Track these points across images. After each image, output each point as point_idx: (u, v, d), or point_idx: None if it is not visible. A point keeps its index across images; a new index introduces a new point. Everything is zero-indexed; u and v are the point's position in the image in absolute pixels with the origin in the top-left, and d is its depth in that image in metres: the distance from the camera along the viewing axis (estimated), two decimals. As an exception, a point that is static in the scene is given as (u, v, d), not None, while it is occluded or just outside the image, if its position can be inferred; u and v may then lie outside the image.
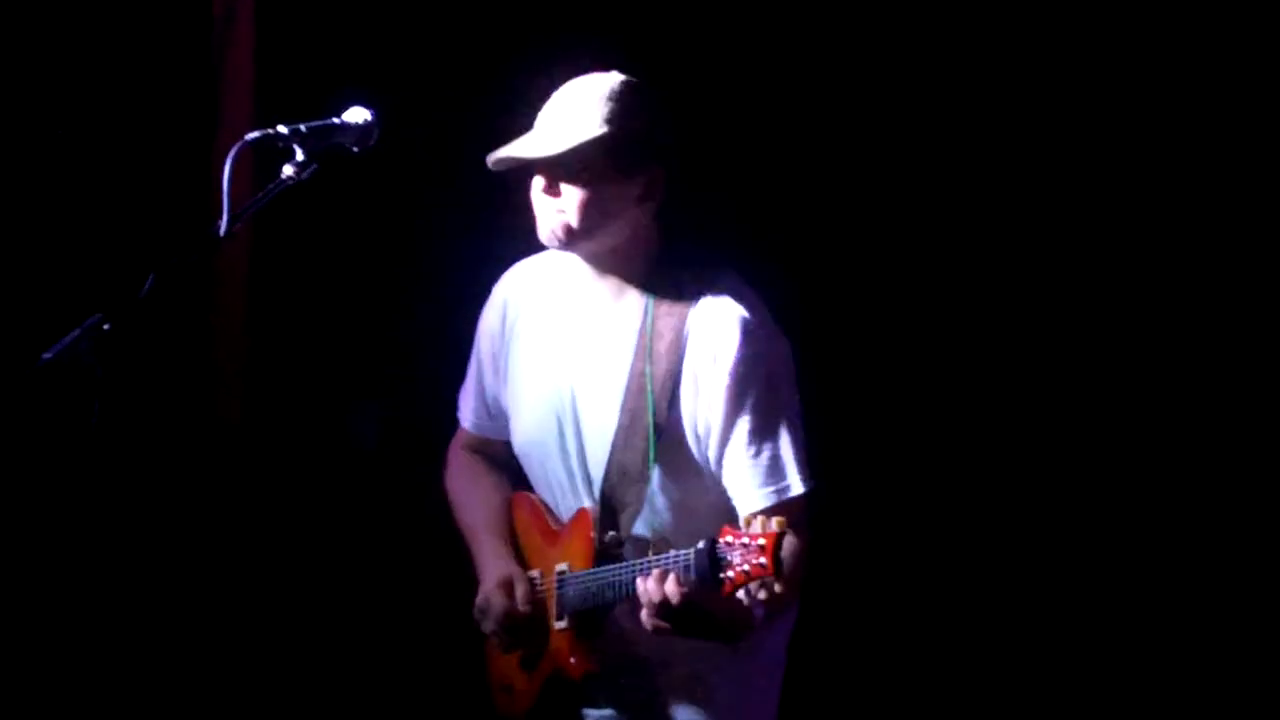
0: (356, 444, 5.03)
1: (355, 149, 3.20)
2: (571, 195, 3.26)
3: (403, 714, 4.92)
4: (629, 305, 3.33)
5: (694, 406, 3.26)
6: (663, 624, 3.11)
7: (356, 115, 3.20)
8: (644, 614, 3.13)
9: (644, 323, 3.30)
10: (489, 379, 3.54)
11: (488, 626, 3.42)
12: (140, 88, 4.86)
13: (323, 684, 4.89)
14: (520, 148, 3.28)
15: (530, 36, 4.74)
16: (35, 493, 4.66)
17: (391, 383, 5.00)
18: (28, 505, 4.68)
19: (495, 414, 3.56)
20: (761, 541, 3.00)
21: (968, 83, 4.81)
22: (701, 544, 3.06)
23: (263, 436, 4.95)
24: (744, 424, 3.23)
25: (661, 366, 3.26)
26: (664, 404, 3.26)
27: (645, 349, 3.29)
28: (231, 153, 3.04)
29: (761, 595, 3.04)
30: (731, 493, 3.28)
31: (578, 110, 3.26)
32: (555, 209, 3.28)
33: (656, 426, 3.25)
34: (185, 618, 4.84)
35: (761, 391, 3.23)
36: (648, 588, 3.10)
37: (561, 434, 3.37)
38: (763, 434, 3.23)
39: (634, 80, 3.32)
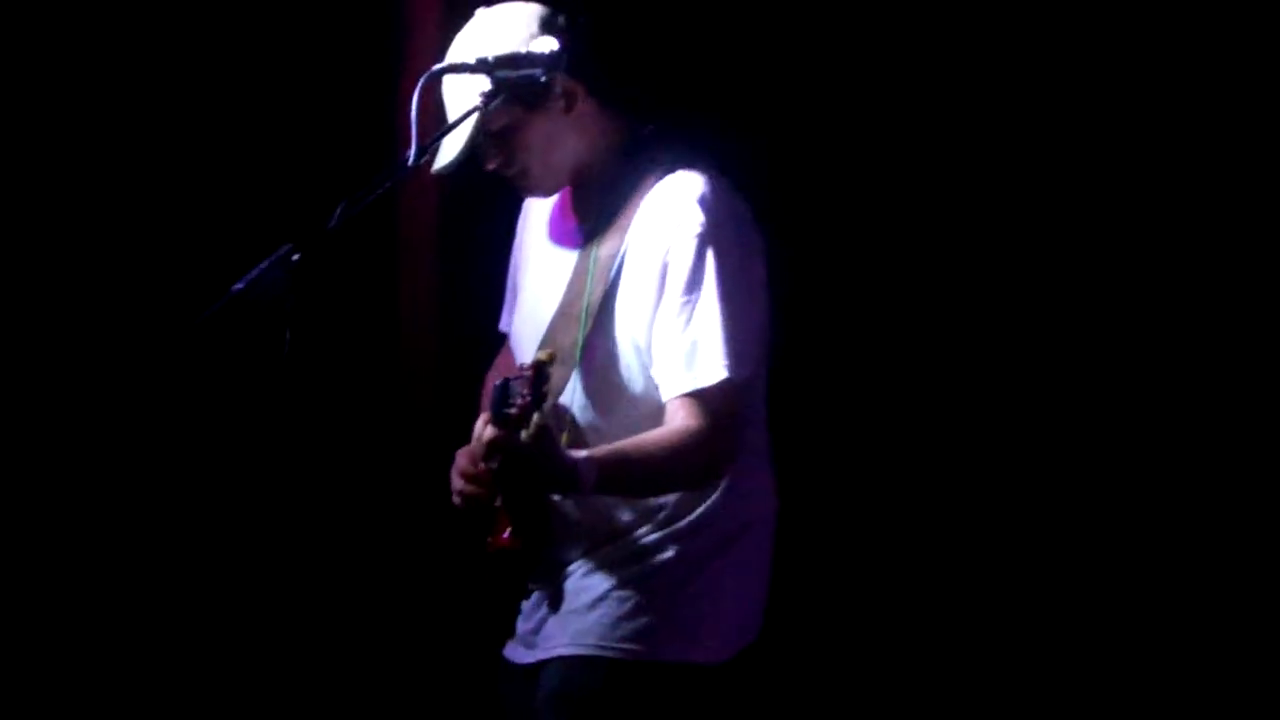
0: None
1: (544, 79, 3.17)
2: (507, 154, 3.22)
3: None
4: (592, 201, 3.26)
5: (631, 285, 3.15)
6: (490, 465, 2.99)
7: (544, 44, 3.17)
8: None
9: (602, 212, 3.22)
10: (518, 284, 3.50)
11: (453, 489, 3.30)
12: (328, 17, 4.88)
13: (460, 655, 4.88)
14: (444, 154, 3.20)
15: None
16: (229, 422, 4.73)
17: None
18: (221, 434, 4.76)
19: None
20: (529, 374, 2.95)
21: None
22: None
23: (454, 370, 4.95)
24: (671, 301, 3.09)
25: (606, 249, 3.17)
26: (600, 287, 3.15)
27: (598, 235, 3.20)
28: (420, 83, 3.04)
29: (528, 432, 2.92)
30: (656, 378, 3.12)
31: (459, 87, 3.18)
32: (511, 173, 3.25)
33: (589, 308, 3.15)
34: (370, 543, 4.88)
35: (694, 267, 3.09)
36: (476, 431, 3.04)
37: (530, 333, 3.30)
38: (690, 313, 3.08)
39: (490, 13, 3.23)
